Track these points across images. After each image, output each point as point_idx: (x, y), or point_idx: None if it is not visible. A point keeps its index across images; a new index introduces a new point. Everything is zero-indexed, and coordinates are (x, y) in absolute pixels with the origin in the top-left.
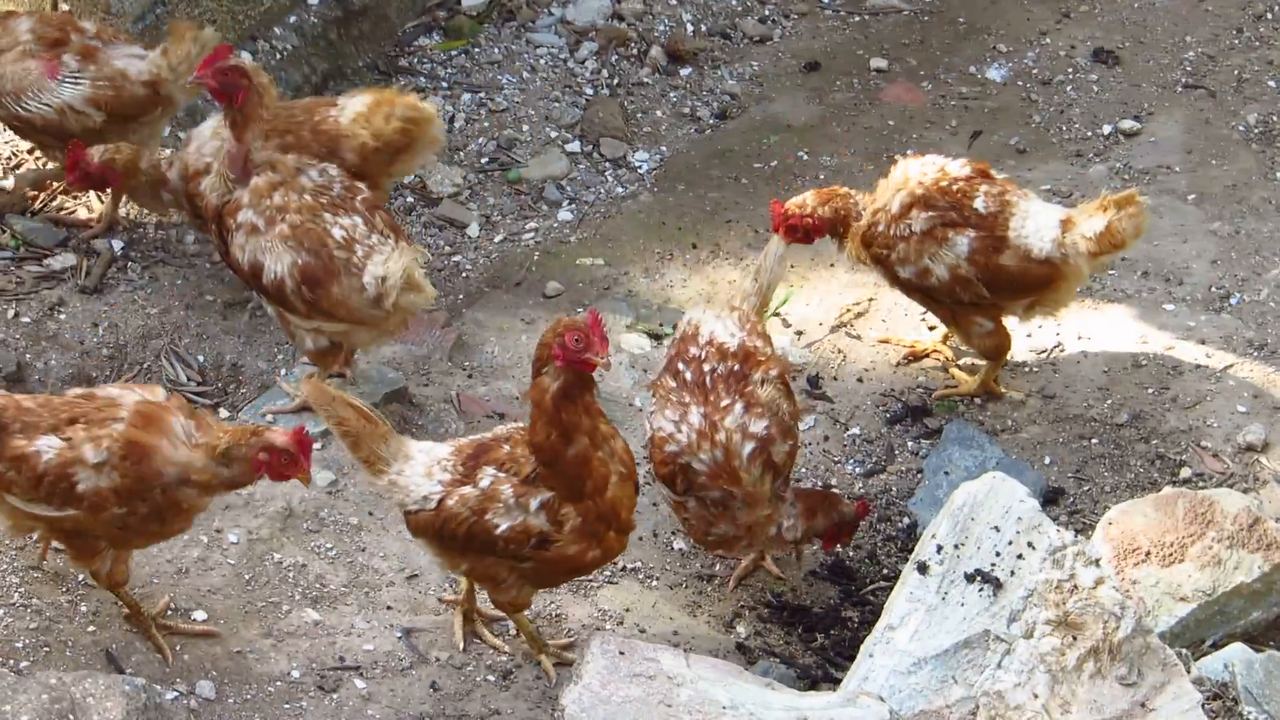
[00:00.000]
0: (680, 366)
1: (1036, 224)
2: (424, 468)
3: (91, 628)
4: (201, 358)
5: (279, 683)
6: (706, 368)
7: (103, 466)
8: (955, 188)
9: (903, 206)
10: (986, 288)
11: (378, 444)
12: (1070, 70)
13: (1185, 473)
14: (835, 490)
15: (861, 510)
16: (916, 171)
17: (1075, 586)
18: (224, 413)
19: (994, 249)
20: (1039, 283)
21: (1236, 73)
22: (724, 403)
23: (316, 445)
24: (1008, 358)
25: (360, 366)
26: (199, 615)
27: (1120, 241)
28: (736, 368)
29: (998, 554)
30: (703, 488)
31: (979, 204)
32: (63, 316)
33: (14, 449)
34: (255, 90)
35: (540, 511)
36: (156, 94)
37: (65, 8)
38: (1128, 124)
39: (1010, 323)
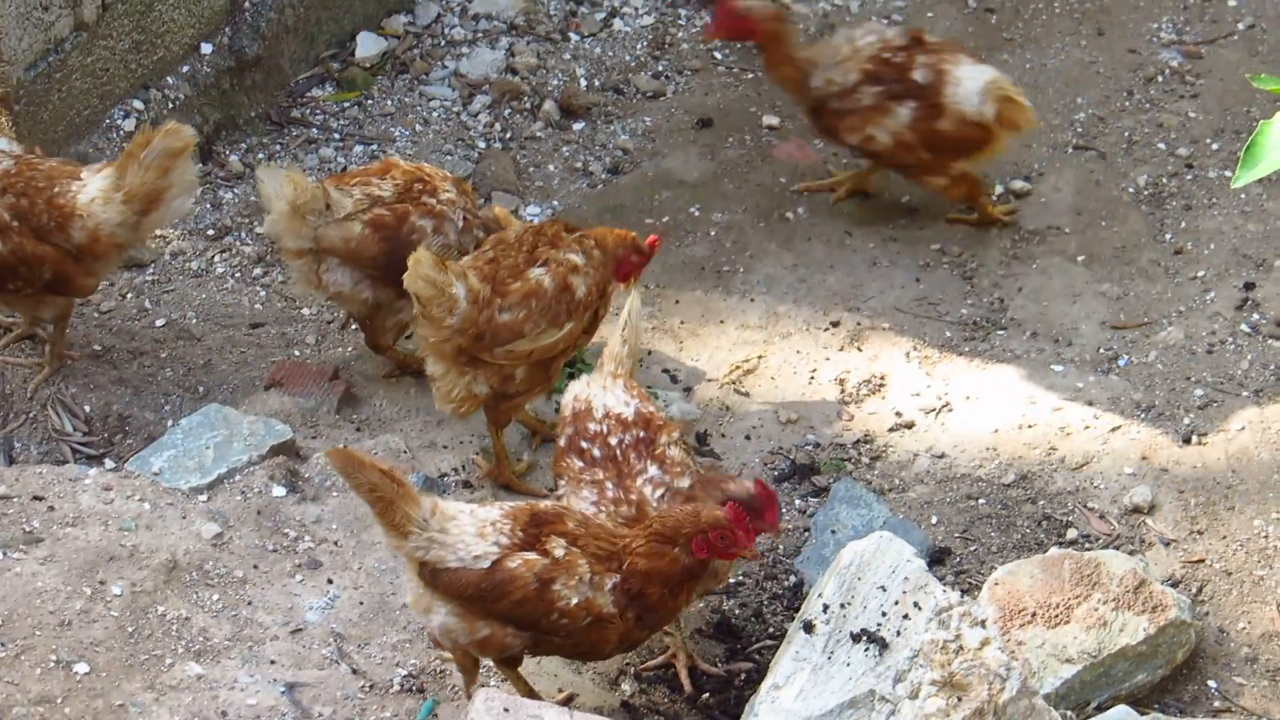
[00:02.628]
0: (584, 445)
1: (967, 89)
2: (474, 528)
3: None
4: (88, 408)
5: None
6: (613, 441)
7: None
8: (897, 59)
9: (854, 82)
10: (927, 150)
11: (410, 506)
12: None
13: (1072, 534)
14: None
15: (761, 489)
16: (862, 43)
17: (961, 647)
18: (109, 463)
19: (933, 116)
20: (974, 145)
21: (1127, 134)
22: (637, 468)
23: (202, 497)
24: (987, 193)
25: (246, 419)
26: (81, 668)
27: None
28: (641, 434)
29: (884, 614)
30: None
31: (918, 75)
32: None
33: None
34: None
35: (611, 593)
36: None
37: None
38: (1018, 184)
39: None
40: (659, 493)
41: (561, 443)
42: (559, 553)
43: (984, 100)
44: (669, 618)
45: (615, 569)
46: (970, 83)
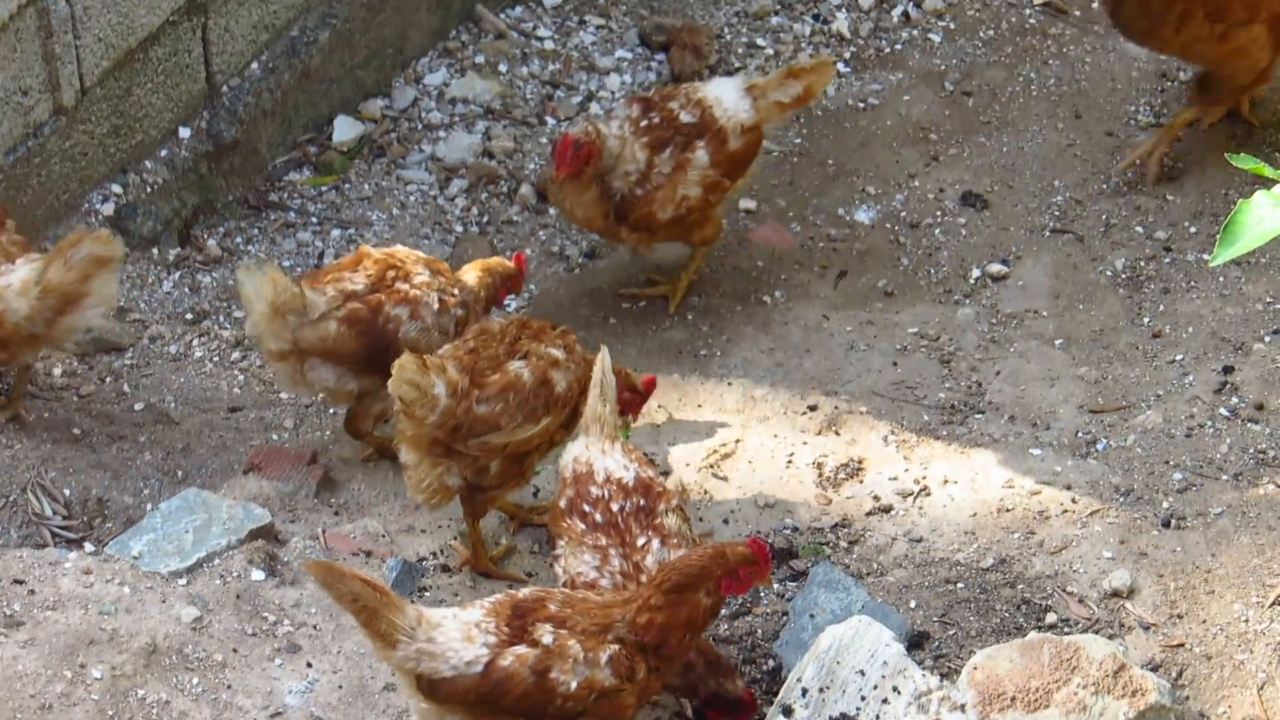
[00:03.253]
0: (586, 508)
1: (731, 101)
2: (460, 632)
3: None
4: (68, 491)
5: None
6: (615, 507)
7: None
8: (659, 116)
9: (646, 158)
10: (730, 178)
11: (395, 615)
12: (939, 213)
13: (1051, 618)
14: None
15: (749, 699)
16: (623, 124)
17: None
18: (89, 547)
19: (722, 143)
20: (757, 147)
21: (1104, 218)
22: (640, 541)
23: (182, 581)
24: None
25: (225, 503)
26: None
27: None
28: (641, 502)
29: (863, 698)
30: None
31: (685, 117)
32: None
33: None
34: None
35: (608, 665)
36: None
37: None
38: (995, 267)
39: None
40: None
41: (562, 504)
42: (548, 640)
43: (749, 102)
44: (683, 658)
45: (609, 639)
46: (729, 95)
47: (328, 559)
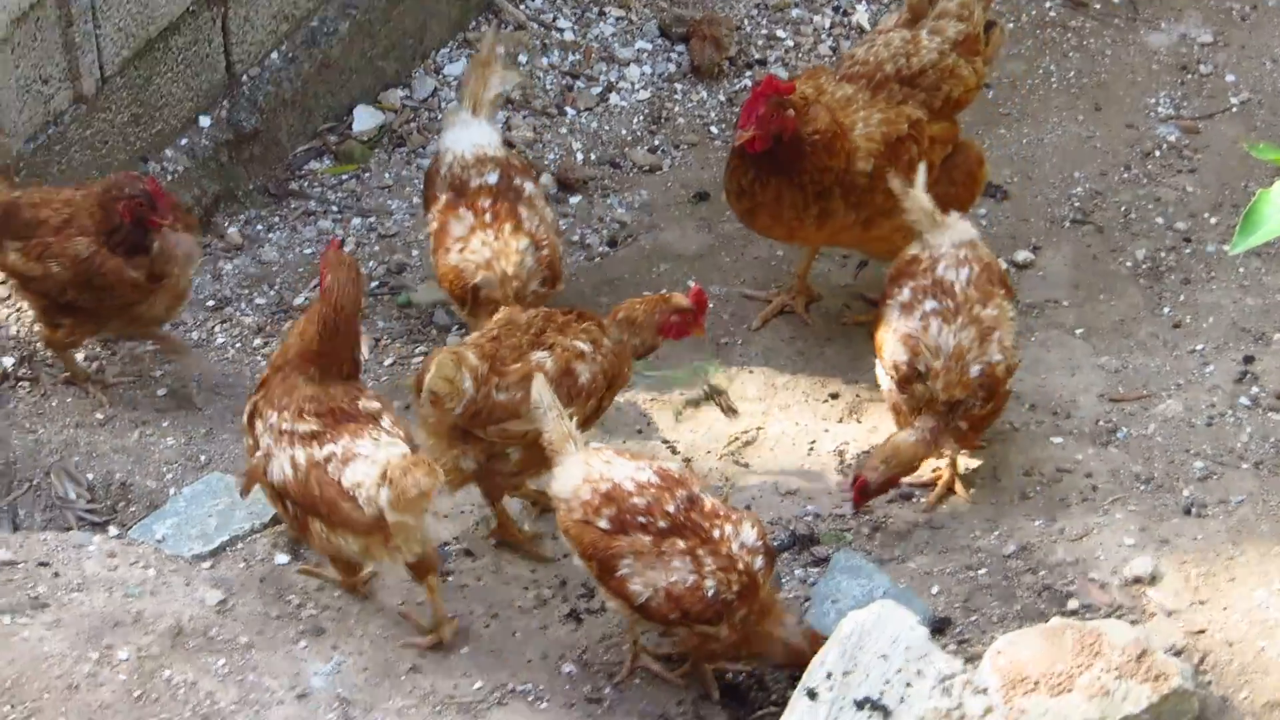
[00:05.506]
0: (642, 519)
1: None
2: None
3: None
4: (91, 475)
5: None
6: (669, 508)
7: None
8: (505, 181)
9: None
10: None
11: None
12: None
13: (1073, 604)
14: None
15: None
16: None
17: (964, 715)
18: (113, 530)
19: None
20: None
21: (1124, 209)
22: (716, 534)
23: (206, 564)
24: None
25: None
26: None
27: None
28: (684, 494)
29: (887, 682)
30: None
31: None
32: None
33: None
34: None
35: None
36: None
37: None
38: (1022, 255)
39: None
40: (758, 561)
41: (604, 525)
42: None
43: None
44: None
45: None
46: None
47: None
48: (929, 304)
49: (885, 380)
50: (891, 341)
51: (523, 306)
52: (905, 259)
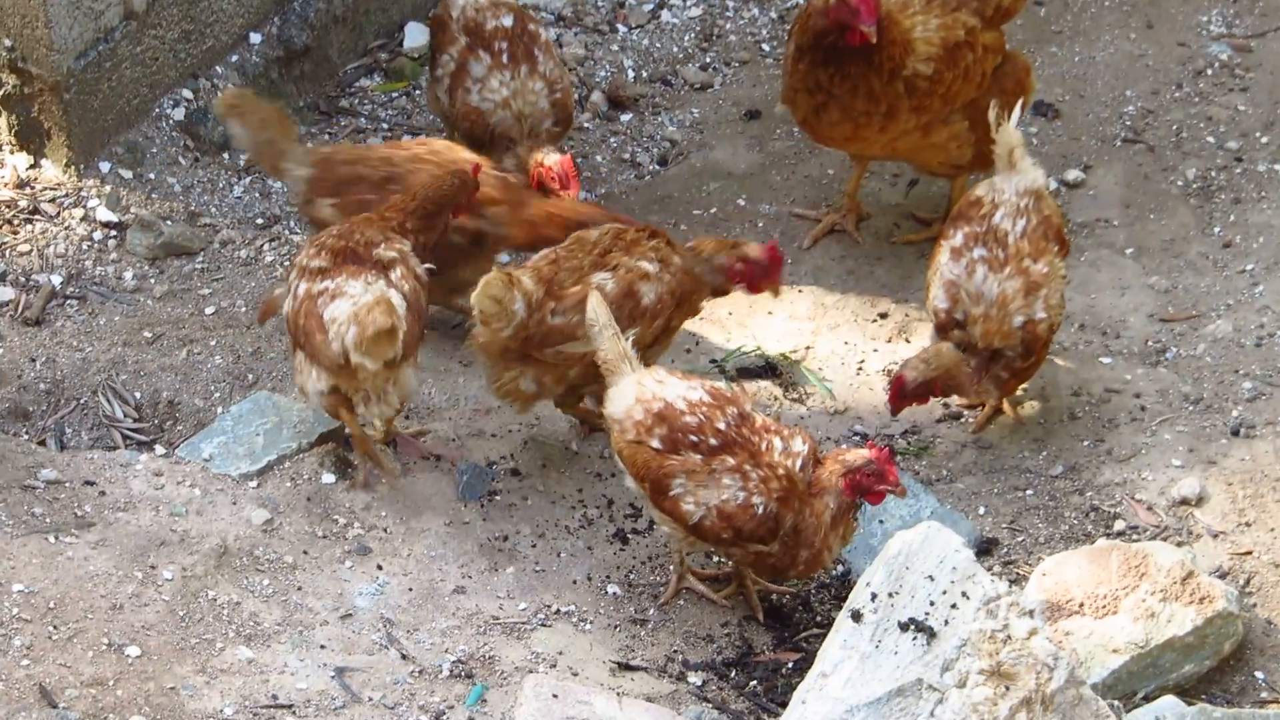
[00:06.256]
0: (694, 438)
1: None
2: None
3: (25, 661)
4: (138, 394)
5: (212, 719)
6: (721, 425)
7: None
8: None
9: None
10: None
11: None
12: None
13: (1119, 525)
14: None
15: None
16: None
17: (1009, 637)
18: (160, 449)
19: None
20: None
21: (1176, 128)
22: (764, 445)
23: (252, 484)
24: None
25: (296, 407)
26: (132, 651)
27: None
28: (735, 411)
29: (932, 603)
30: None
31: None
32: (0, 350)
33: None
34: None
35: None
36: None
37: (8, 43)
38: (1073, 174)
39: None
40: (797, 463)
41: (656, 445)
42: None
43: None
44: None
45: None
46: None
47: (398, 463)
48: (977, 251)
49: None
50: (935, 285)
51: (533, 147)
52: (969, 199)
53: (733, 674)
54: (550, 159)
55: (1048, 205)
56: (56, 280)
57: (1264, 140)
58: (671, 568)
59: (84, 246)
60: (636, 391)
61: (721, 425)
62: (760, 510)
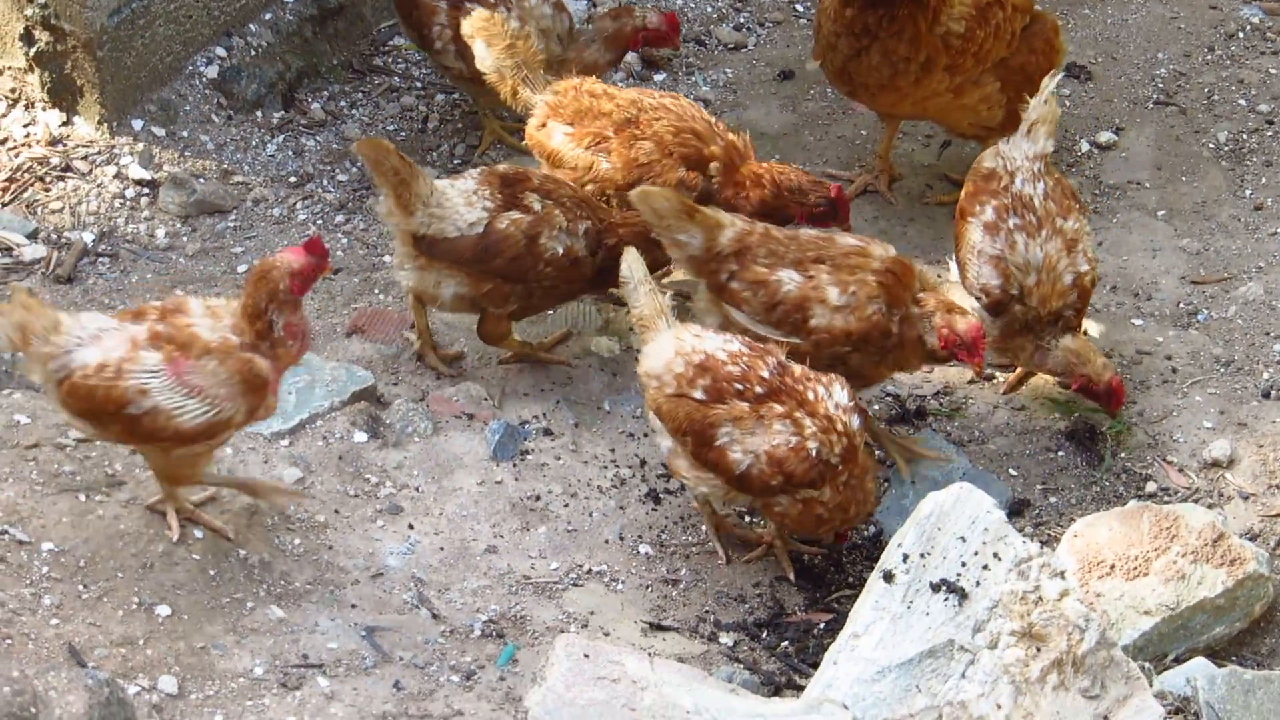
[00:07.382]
0: (739, 386)
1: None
2: (462, 199)
3: (55, 620)
4: None
5: (241, 679)
6: (765, 374)
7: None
8: None
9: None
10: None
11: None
12: None
13: (1151, 487)
14: None
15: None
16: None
17: (1040, 598)
18: None
19: None
20: None
21: (1207, 90)
22: (809, 395)
23: (284, 442)
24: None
25: (328, 365)
26: (163, 610)
27: None
28: (772, 360)
29: (963, 564)
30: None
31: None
32: None
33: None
34: None
35: (584, 237)
36: None
37: (41, 0)
38: (1105, 136)
39: None
40: (854, 420)
41: (699, 395)
42: (537, 208)
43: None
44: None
45: (585, 216)
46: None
47: (431, 421)
48: (1012, 220)
49: (961, 293)
50: (976, 264)
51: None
52: (981, 173)
53: (764, 634)
54: (651, 18)
55: (1052, 169)
56: (89, 238)
57: None
58: (705, 528)
59: (116, 204)
60: (675, 345)
61: (765, 374)
62: (815, 452)
